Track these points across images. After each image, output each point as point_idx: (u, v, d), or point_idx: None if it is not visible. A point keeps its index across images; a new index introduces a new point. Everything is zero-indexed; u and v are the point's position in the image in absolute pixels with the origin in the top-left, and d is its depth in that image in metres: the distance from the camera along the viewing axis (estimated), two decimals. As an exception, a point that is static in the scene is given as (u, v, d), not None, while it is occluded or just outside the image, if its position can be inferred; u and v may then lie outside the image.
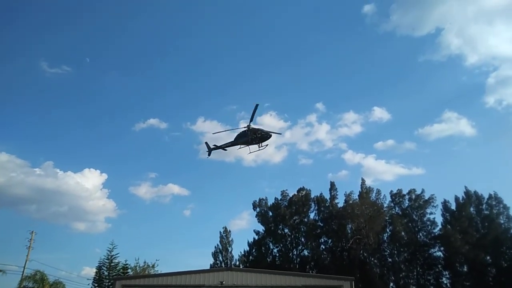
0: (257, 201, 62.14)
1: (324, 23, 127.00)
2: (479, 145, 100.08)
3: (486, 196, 54.07)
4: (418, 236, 54.59)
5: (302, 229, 58.63)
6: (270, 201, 61.63)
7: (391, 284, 53.46)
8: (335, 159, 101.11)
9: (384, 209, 56.84)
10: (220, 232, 62.47)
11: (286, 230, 59.15)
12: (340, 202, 58.51)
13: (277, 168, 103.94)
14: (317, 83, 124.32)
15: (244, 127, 37.40)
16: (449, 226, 52.96)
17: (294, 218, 58.98)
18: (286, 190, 61.72)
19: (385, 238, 55.76)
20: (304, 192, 60.59)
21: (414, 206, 55.90)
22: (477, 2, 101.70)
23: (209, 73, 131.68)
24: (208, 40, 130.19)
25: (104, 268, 48.84)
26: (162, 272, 41.02)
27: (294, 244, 58.34)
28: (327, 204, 59.20)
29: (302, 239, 58.53)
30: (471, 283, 49.32)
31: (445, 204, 55.19)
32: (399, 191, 57.54)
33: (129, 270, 48.89)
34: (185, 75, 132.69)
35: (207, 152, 43.23)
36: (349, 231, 55.72)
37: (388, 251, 55.52)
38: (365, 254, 54.20)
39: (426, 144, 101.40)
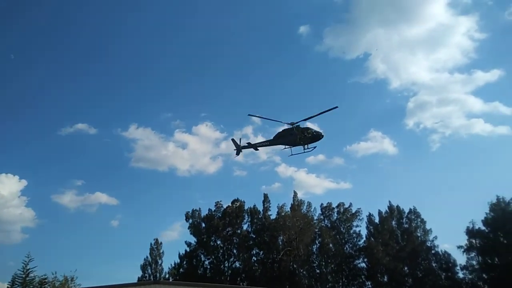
0: (190, 212, 61.07)
1: (262, 39, 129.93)
2: (400, 163, 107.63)
3: (406, 210, 58.27)
4: (345, 248, 57.05)
5: (235, 241, 58.51)
6: (204, 212, 60.95)
7: (319, 295, 55.14)
8: (269, 171, 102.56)
9: (314, 221, 58.79)
10: (151, 244, 60.47)
11: (218, 242, 58.67)
12: (272, 214, 59.52)
13: (212, 179, 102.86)
14: (254, 96, 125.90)
15: (288, 124, 33.73)
16: (372, 239, 56.02)
17: (227, 230, 58.73)
18: (220, 201, 61.46)
19: (314, 249, 57.52)
20: (238, 204, 60.65)
21: (342, 219, 58.49)
22: (401, 32, 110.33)
23: (145, 79, 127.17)
24: (144, 43, 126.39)
25: (18, 282, 44.57)
26: (84, 286, 38.39)
27: (226, 256, 57.99)
28: (260, 216, 59.78)
29: (235, 251, 58.36)
30: (390, 292, 52.48)
31: (369, 217, 58.51)
32: (329, 204, 60.01)
33: (46, 286, 45.08)
34: (119, 80, 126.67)
35: (235, 151, 38.47)
36: (280, 243, 56.65)
37: (317, 262, 57.29)
38: (295, 266, 55.35)
39: (353, 160, 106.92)
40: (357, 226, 57.94)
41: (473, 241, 52.60)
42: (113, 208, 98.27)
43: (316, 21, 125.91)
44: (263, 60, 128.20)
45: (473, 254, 52.38)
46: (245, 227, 59.77)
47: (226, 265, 57.76)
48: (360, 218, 58.11)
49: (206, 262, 57.90)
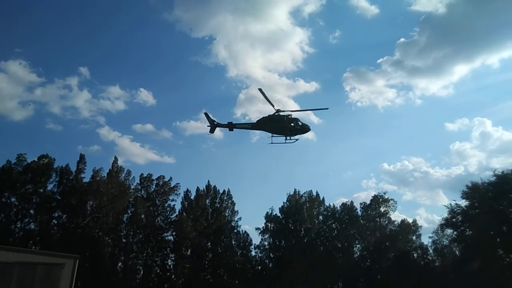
0: (-20, 161, 51.33)
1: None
2: (224, 147, 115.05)
3: (222, 191, 62.41)
4: (156, 220, 57.39)
5: (35, 200, 52.15)
6: (0, 164, 52.14)
7: (119, 264, 54.17)
8: (90, 131, 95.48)
9: (131, 190, 57.37)
10: None
11: (13, 199, 51.29)
12: (86, 177, 55.34)
13: (17, 127, 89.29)
14: (87, 45, 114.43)
15: (277, 111, 30.83)
16: (184, 214, 58.13)
17: (27, 187, 51.81)
18: (25, 154, 53.70)
19: (125, 219, 56.16)
20: (46, 160, 54.05)
21: (159, 191, 58.62)
22: (247, 24, 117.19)
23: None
24: None
25: None
26: None
27: (20, 216, 51.12)
28: (71, 177, 54.75)
29: (32, 211, 51.98)
30: (191, 265, 55.55)
31: (186, 193, 60.44)
32: (149, 175, 59.30)
33: None
34: None
35: (209, 128, 34.59)
36: (89, 208, 53.33)
37: (125, 232, 56.06)
38: (100, 233, 52.91)
39: (181, 137, 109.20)
40: (173, 200, 59.12)
41: (269, 224, 60.38)
42: None
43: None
44: (103, 10, 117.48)
45: (266, 236, 60.09)
46: (50, 186, 53.91)
47: (19, 226, 51.07)
48: (177, 193, 59.49)
49: (-8, 221, 49.90)
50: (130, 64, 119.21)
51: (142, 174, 59.42)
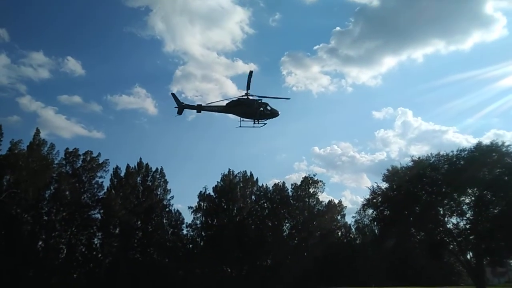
0: None
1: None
2: (157, 124, 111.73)
3: (154, 169, 60.75)
4: (82, 198, 54.53)
5: None
6: None
7: (40, 243, 50.92)
8: (8, 100, 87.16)
9: (54, 165, 53.75)
10: None
11: None
12: (3, 149, 50.60)
13: None
14: (8, 4, 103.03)
15: (243, 96, 29.83)
16: (113, 191, 55.88)
17: None
18: None
19: (47, 195, 52.64)
20: (-45, 130, 48.47)
21: (86, 167, 55.63)
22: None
23: None
24: None
25: None
26: None
27: None
28: (-16, 149, 49.74)
29: None
30: (119, 244, 53.79)
31: (116, 170, 58.06)
32: (75, 150, 55.97)
33: None
34: None
35: (177, 109, 31.81)
36: (5, 183, 49.10)
37: (47, 209, 52.63)
38: (18, 210, 49.12)
39: (112, 111, 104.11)
40: (101, 177, 56.50)
41: (202, 203, 60.36)
42: None
43: None
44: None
45: (199, 215, 60.08)
46: (-41, 159, 48.51)
47: None
48: (106, 170, 56.89)
49: None
50: (57, 29, 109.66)
51: (67, 148, 55.98)
